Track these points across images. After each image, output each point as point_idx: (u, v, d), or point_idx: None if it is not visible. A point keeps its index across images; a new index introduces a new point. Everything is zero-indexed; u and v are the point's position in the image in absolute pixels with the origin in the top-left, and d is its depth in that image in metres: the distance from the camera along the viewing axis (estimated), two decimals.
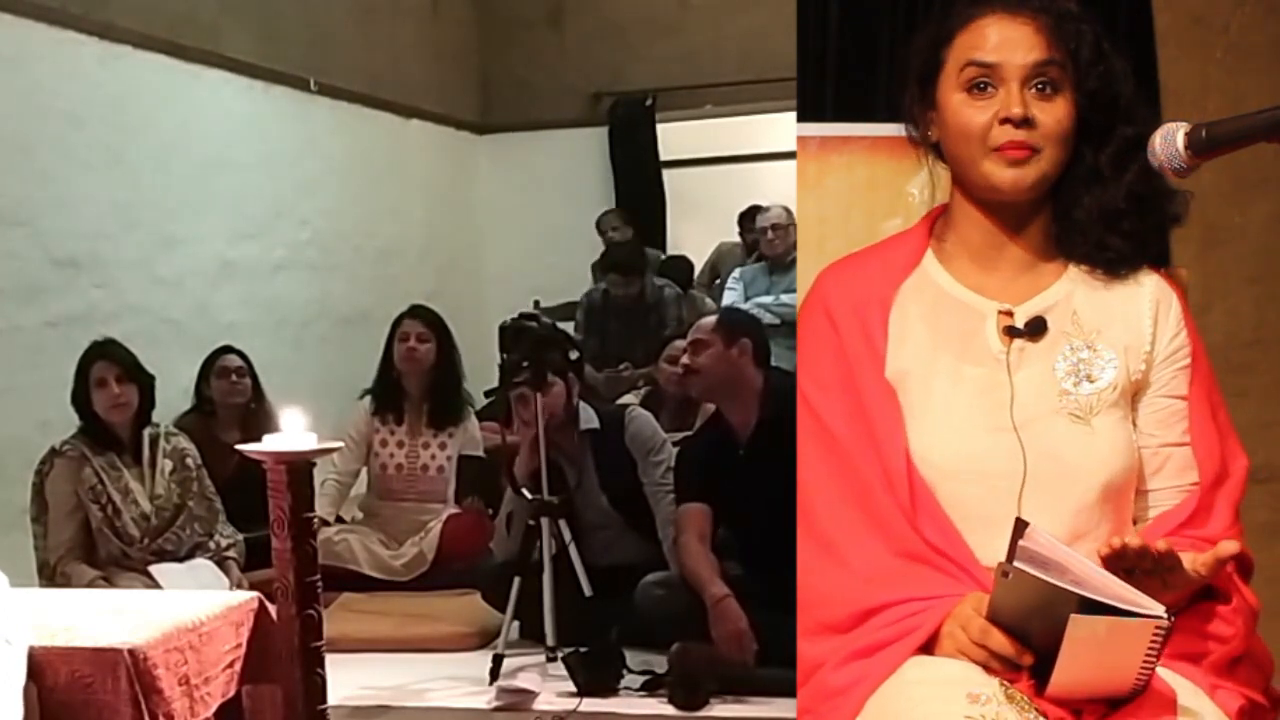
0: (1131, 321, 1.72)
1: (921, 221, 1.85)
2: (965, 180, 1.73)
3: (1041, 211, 1.73)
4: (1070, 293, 1.73)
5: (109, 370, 3.73)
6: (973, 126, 1.67)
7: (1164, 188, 1.67)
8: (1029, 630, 1.50)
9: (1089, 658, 1.46)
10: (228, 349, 4.60)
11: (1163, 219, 1.72)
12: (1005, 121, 1.64)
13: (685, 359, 3.74)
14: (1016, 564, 1.47)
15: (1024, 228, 1.73)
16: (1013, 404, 1.68)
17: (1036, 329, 1.71)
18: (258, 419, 4.30)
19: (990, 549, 1.60)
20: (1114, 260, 1.72)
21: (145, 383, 3.81)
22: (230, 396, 4.52)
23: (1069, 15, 1.69)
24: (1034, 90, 1.65)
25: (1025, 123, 1.63)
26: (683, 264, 7.11)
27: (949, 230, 1.79)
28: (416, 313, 4.58)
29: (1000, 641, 1.52)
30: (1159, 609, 1.44)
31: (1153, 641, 1.44)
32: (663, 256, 7.31)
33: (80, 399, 3.75)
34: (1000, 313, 1.73)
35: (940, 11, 1.76)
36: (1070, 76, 1.66)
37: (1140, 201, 1.68)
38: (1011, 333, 1.71)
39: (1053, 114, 1.65)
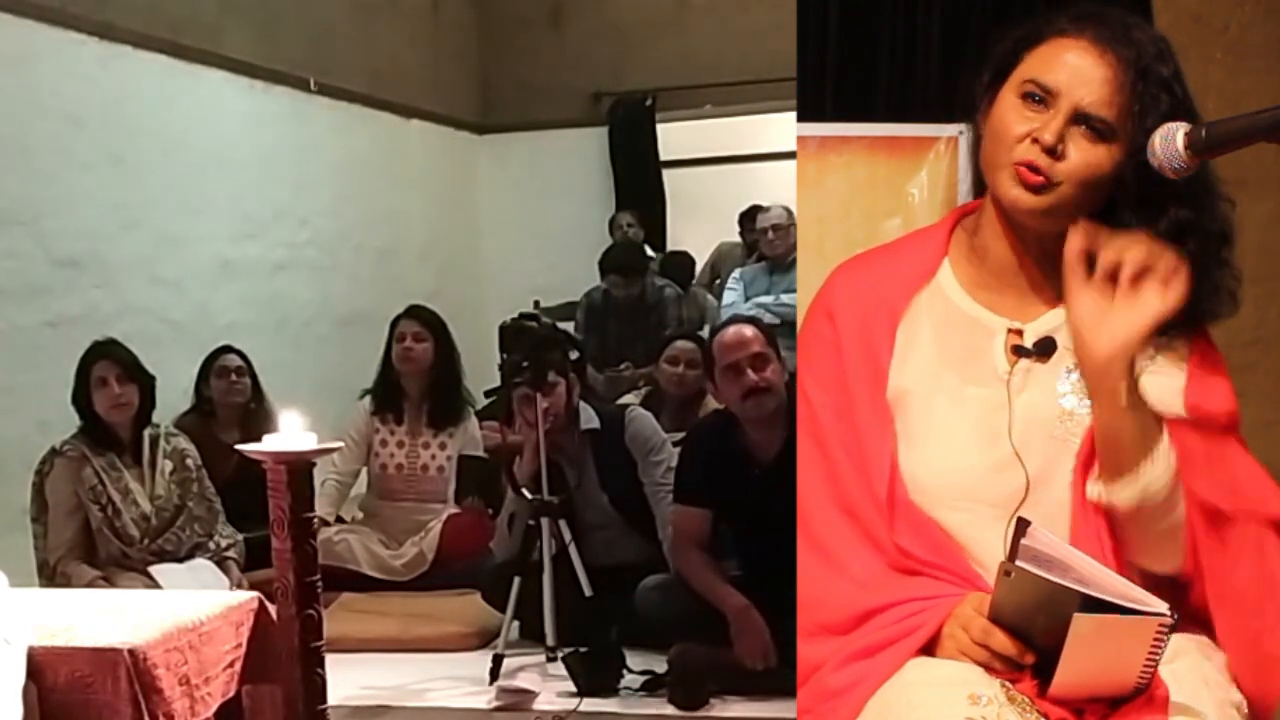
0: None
1: (942, 224, 1.80)
2: (987, 185, 1.68)
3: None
4: None
5: (110, 370, 3.73)
6: (1008, 132, 1.61)
7: (1207, 284, 1.60)
8: (1031, 630, 1.50)
9: (1092, 656, 1.46)
10: (228, 349, 4.61)
11: (1193, 315, 1.61)
12: (1035, 142, 1.59)
13: (753, 376, 3.38)
14: (1019, 563, 1.47)
15: (1046, 257, 1.66)
16: (1011, 429, 1.64)
17: (1045, 349, 1.66)
18: (258, 419, 4.30)
19: (988, 573, 1.57)
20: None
21: (146, 383, 3.81)
22: (230, 396, 4.52)
23: (1156, 79, 1.59)
24: (1082, 127, 1.58)
25: (1051, 152, 1.57)
26: (683, 260, 7.09)
27: (978, 235, 1.73)
28: (413, 313, 4.58)
29: (1002, 641, 1.52)
30: (1162, 606, 1.44)
31: (1156, 639, 1.44)
32: (660, 256, 7.29)
33: (80, 399, 3.75)
34: (1010, 331, 1.69)
35: (1044, 11, 1.68)
36: (1124, 135, 1.58)
37: None
38: (1019, 352, 1.67)
39: (1086, 156, 1.58)
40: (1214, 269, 1.62)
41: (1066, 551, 1.50)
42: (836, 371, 1.72)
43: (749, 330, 3.49)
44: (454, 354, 4.59)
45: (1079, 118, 1.59)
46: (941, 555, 1.64)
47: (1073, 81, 1.60)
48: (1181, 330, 1.64)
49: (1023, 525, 1.51)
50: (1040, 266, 1.69)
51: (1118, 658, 1.47)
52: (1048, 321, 1.69)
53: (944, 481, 1.65)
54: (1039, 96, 1.61)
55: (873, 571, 1.64)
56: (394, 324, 4.56)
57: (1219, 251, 1.63)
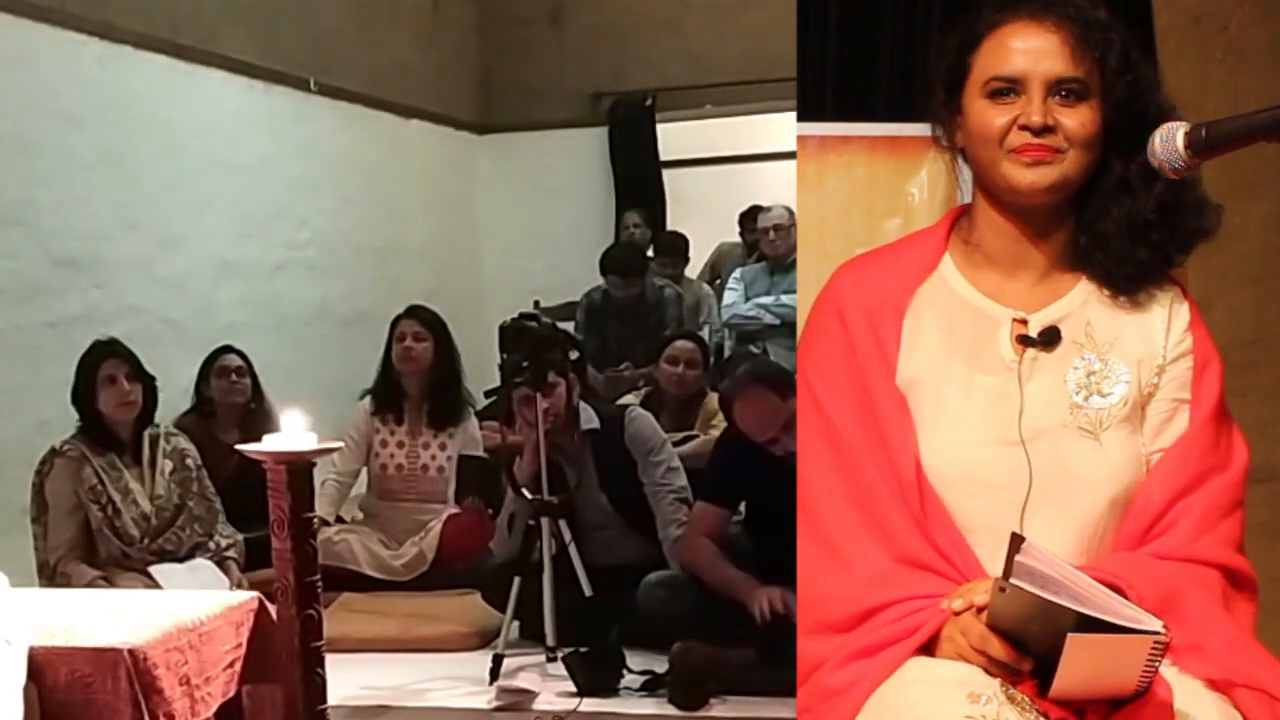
0: (1146, 333, 1.70)
1: (941, 222, 1.83)
2: (987, 183, 1.71)
3: (1065, 222, 1.70)
4: (1085, 302, 1.71)
5: (119, 368, 3.73)
6: (992, 129, 1.65)
7: (1194, 199, 1.66)
8: (1028, 637, 1.50)
9: (1088, 672, 1.46)
10: (228, 349, 4.60)
11: (1191, 232, 1.69)
12: (1024, 128, 1.63)
13: (789, 442, 3.31)
14: (1013, 581, 1.47)
15: (1047, 236, 1.71)
16: (1021, 416, 1.66)
17: (1050, 339, 1.69)
18: (258, 419, 4.30)
19: (995, 561, 1.58)
20: (1133, 276, 1.69)
21: (149, 383, 3.81)
22: (230, 396, 4.51)
23: (1097, 23, 1.66)
24: (1058, 98, 1.63)
25: (1045, 130, 1.62)
26: (679, 241, 7.07)
27: (971, 233, 1.76)
28: (413, 313, 4.58)
29: (999, 649, 1.52)
30: (1157, 624, 1.44)
31: (1150, 656, 1.44)
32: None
33: (83, 397, 3.74)
34: (1015, 320, 1.71)
35: (967, 15, 1.72)
36: (1097, 85, 1.64)
37: (1169, 213, 1.65)
38: (1025, 341, 1.69)
39: (1076, 118, 1.63)
40: (1194, 186, 1.67)
41: (1061, 569, 1.50)
42: (849, 367, 1.73)
43: (772, 400, 3.42)
44: (454, 354, 4.59)
45: (1053, 89, 1.63)
46: (951, 546, 1.65)
47: (1031, 59, 1.65)
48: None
49: (1017, 541, 1.51)
50: (1041, 250, 1.72)
51: (1113, 673, 1.47)
52: (1052, 312, 1.71)
53: (955, 469, 1.67)
54: (1006, 90, 1.65)
55: (877, 568, 1.65)
56: (394, 324, 4.56)
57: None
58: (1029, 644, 1.51)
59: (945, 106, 1.74)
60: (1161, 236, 1.67)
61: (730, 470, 3.65)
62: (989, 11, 1.70)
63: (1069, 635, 1.42)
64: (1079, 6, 1.67)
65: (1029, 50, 1.65)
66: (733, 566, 3.53)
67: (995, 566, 1.57)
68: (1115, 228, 1.67)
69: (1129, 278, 1.69)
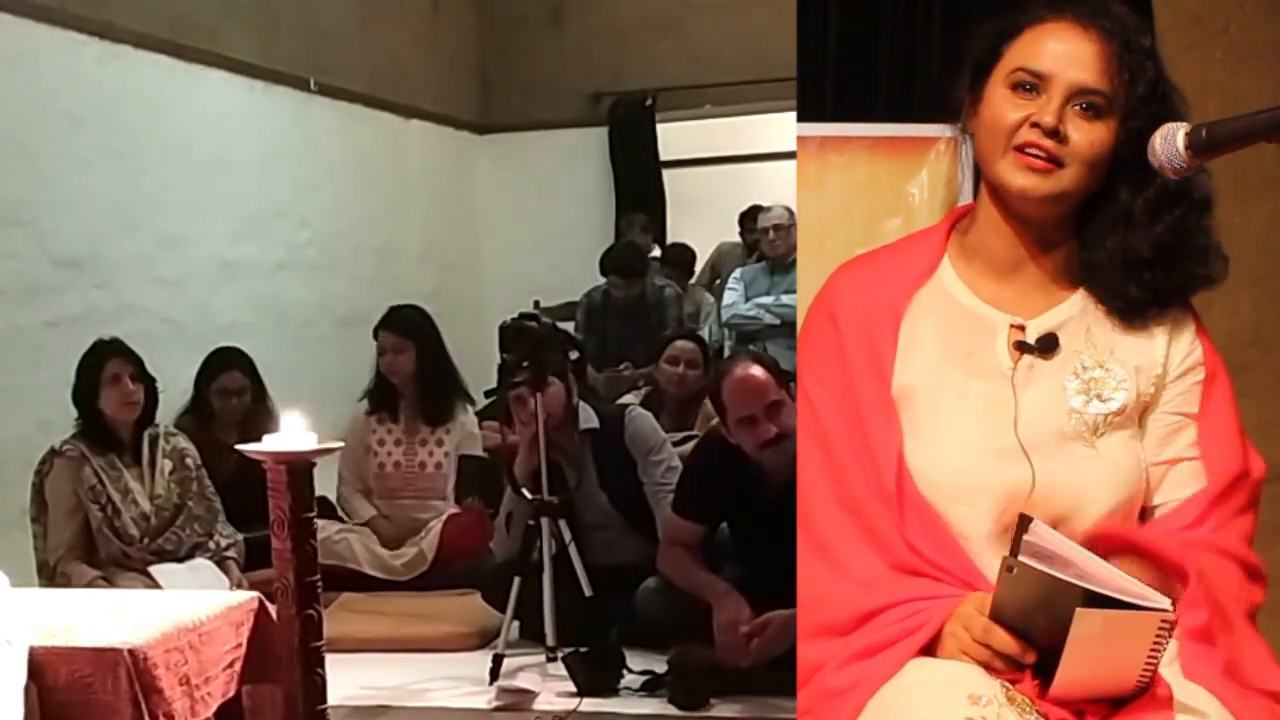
0: (1145, 341, 1.69)
1: (941, 223, 1.81)
2: (988, 180, 1.69)
3: (1067, 236, 1.68)
4: (1085, 308, 1.69)
5: (124, 367, 3.73)
6: (1003, 121, 1.63)
7: (1197, 246, 1.64)
8: (1032, 628, 1.50)
9: (1094, 652, 1.46)
10: (229, 363, 4.52)
11: (1193, 278, 1.66)
12: (1035, 126, 1.60)
13: (770, 427, 3.31)
14: (1021, 558, 1.47)
15: (1046, 247, 1.69)
16: (1017, 423, 1.65)
17: (1048, 345, 1.67)
18: (258, 418, 4.29)
19: (991, 569, 1.58)
20: (1123, 309, 1.67)
21: (150, 383, 3.81)
22: (231, 415, 4.48)
23: (1138, 48, 1.63)
24: (1077, 108, 1.61)
25: (1054, 134, 1.59)
26: (685, 253, 7.06)
27: (973, 232, 1.75)
28: (389, 323, 4.55)
29: (1003, 640, 1.52)
30: (1164, 602, 1.44)
31: (1158, 635, 1.44)
32: (658, 252, 7.26)
33: (85, 397, 3.73)
34: (1012, 327, 1.70)
35: (1013, 5, 1.70)
36: (1118, 107, 1.61)
37: (1167, 254, 1.63)
38: (1022, 348, 1.68)
39: (1089, 135, 1.60)
40: (1198, 234, 1.64)
41: (1069, 547, 1.50)
42: (840, 371, 1.73)
43: (760, 375, 3.37)
44: (440, 351, 4.57)
45: (1074, 97, 1.61)
46: (945, 554, 1.64)
47: (1063, 62, 1.62)
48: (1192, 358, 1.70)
49: (1025, 521, 1.52)
50: (1040, 260, 1.70)
51: (1119, 654, 1.47)
52: (1050, 318, 1.70)
53: (950, 476, 1.66)
54: (1030, 84, 1.63)
55: (874, 572, 1.65)
56: (375, 333, 4.55)
57: (1201, 218, 1.65)
58: (1033, 636, 1.50)
59: (969, 90, 1.71)
60: (1155, 277, 1.64)
61: (704, 487, 3.61)
62: (1037, 5, 1.67)
63: (1077, 610, 1.42)
64: (1126, 25, 1.64)
65: (1062, 53, 1.62)
66: (702, 569, 3.51)
67: (991, 574, 1.57)
68: (1108, 260, 1.65)
69: (1119, 310, 1.68)
